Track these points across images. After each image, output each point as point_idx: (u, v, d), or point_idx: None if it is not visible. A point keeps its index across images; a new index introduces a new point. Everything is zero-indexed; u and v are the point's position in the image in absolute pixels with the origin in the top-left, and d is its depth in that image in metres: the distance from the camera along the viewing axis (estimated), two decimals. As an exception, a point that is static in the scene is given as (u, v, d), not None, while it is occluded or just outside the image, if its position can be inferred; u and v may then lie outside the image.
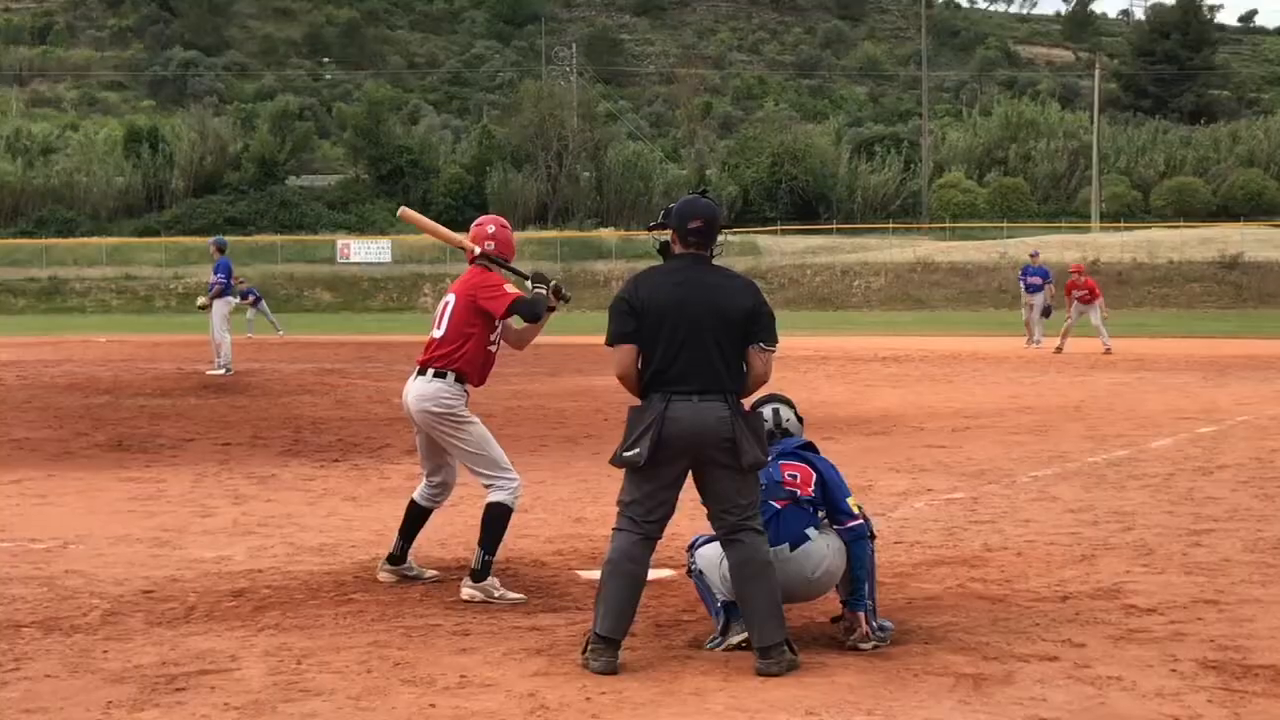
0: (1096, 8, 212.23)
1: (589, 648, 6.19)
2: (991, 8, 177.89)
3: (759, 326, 6.37)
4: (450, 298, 8.03)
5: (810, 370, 25.27)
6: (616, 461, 6.35)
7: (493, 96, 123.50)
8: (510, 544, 8.83)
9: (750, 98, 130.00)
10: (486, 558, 7.65)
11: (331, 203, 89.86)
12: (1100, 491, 11.35)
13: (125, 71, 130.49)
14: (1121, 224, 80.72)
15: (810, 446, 6.99)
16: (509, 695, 5.76)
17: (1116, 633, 6.73)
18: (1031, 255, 35.10)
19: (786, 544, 6.57)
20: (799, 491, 6.71)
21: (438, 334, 7.95)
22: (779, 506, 6.64)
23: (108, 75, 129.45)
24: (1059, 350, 29.51)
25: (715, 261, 6.51)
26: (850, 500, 6.75)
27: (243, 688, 5.92)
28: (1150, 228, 78.95)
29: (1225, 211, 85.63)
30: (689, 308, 6.29)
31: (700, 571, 6.78)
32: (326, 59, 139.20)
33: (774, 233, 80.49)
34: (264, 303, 40.88)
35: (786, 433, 7.04)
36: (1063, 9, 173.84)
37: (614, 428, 13.57)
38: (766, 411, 7.03)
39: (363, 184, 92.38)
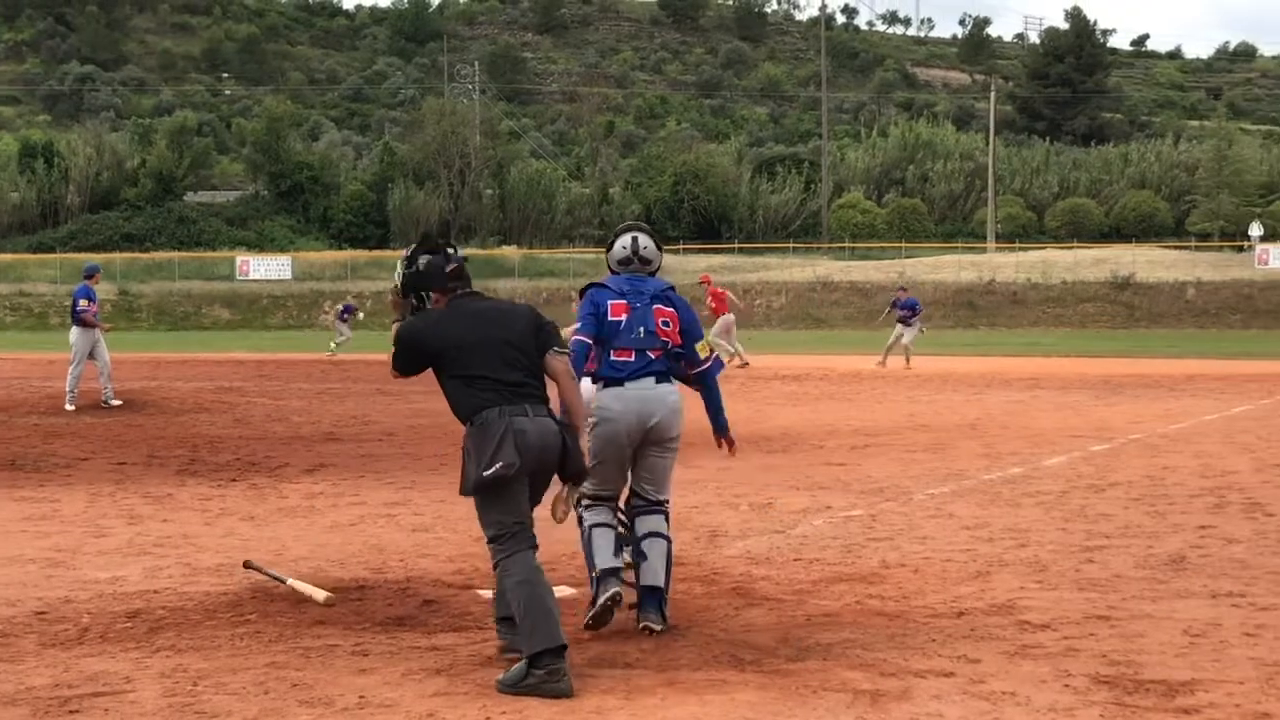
0: (992, 31, 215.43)
1: (551, 669, 5.99)
2: (890, 30, 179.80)
3: (546, 335, 6.54)
4: None
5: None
6: (474, 486, 6.28)
7: (394, 113, 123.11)
8: (410, 563, 8.79)
9: (653, 117, 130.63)
10: None
11: (230, 219, 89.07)
12: (995, 508, 11.48)
13: (20, 86, 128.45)
14: (1017, 244, 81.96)
15: (671, 289, 7.42)
16: (408, 715, 5.73)
17: (1011, 648, 6.81)
18: (900, 290, 35.16)
19: (652, 378, 7.21)
20: (670, 342, 7.32)
21: None
22: (653, 356, 7.22)
23: (2, 90, 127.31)
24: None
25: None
26: (699, 345, 7.43)
27: (137, 710, 5.84)
28: (1045, 248, 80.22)
29: (1117, 233, 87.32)
30: (484, 332, 6.42)
31: (590, 526, 7.25)
32: (225, 74, 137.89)
33: (676, 251, 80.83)
34: (347, 321, 39.57)
35: (646, 260, 7.41)
36: (959, 32, 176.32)
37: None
38: (625, 239, 7.42)
39: (262, 200, 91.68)
